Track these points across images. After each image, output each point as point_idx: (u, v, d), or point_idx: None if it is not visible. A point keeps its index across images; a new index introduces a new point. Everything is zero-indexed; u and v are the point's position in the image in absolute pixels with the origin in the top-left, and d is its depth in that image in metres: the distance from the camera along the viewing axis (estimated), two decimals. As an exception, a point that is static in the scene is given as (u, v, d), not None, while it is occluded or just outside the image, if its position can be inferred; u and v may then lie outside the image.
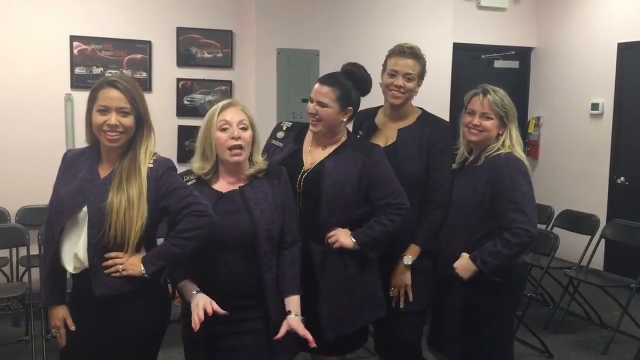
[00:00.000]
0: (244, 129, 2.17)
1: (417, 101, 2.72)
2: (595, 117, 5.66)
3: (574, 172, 5.89)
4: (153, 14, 4.91)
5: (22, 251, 4.06)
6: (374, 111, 2.79)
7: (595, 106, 5.63)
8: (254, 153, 2.23)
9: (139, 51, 4.89)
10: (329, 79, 2.43)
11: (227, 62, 5.12)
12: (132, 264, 2.00)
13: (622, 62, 5.41)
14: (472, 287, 2.48)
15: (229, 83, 5.14)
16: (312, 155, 2.47)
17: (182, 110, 5.03)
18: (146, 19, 4.90)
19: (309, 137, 2.52)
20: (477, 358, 2.56)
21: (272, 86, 4.95)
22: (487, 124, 2.53)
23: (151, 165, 2.06)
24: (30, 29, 4.60)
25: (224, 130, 2.15)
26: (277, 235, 2.19)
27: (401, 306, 2.61)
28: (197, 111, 5.01)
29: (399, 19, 5.22)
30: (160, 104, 4.75)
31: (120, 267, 2.00)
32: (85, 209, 2.00)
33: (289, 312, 2.19)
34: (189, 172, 2.23)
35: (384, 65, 2.68)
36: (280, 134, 2.57)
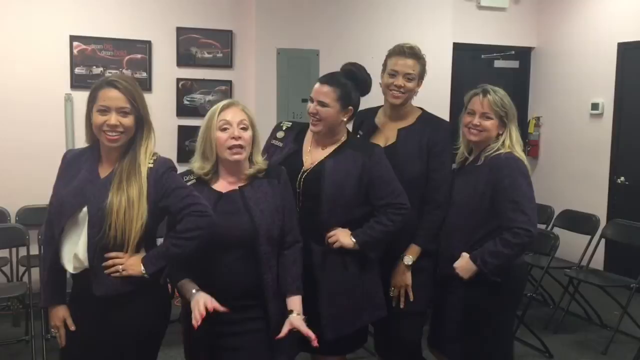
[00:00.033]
0: (244, 128, 2.18)
1: (417, 101, 2.72)
2: (595, 117, 5.66)
3: (574, 172, 5.89)
4: (153, 14, 4.91)
5: (22, 251, 4.06)
6: (374, 111, 2.79)
7: (595, 106, 5.63)
8: (254, 153, 2.23)
9: (139, 51, 4.89)
10: (329, 79, 2.43)
11: (227, 62, 5.12)
12: (132, 264, 2.00)
13: (622, 62, 5.41)
14: (472, 287, 2.48)
15: (229, 83, 5.14)
16: (312, 155, 2.47)
17: (182, 110, 5.04)
18: (146, 19, 4.90)
19: (308, 137, 2.52)
20: (477, 358, 2.56)
21: (272, 86, 4.95)
22: (487, 124, 2.53)
23: (151, 165, 2.05)
24: (30, 29, 4.59)
25: (224, 130, 2.15)
26: (277, 235, 2.19)
27: (401, 306, 2.62)
28: (197, 111, 5.01)
29: (399, 19, 5.22)
30: (160, 104, 4.75)
31: (120, 267, 2.00)
32: (85, 209, 2.00)
33: (291, 312, 2.19)
34: (189, 172, 2.23)
35: (384, 65, 2.68)
36: (280, 134, 2.57)
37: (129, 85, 2.05)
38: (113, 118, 2.00)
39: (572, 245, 4.63)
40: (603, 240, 4.62)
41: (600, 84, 5.57)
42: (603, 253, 5.18)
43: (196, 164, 2.22)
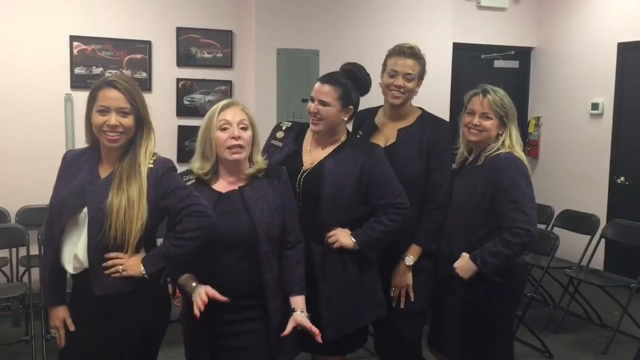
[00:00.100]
0: (244, 128, 2.17)
1: (417, 101, 2.72)
2: (595, 117, 5.66)
3: (574, 172, 5.89)
4: (153, 14, 4.91)
5: (22, 251, 4.06)
6: (373, 111, 2.79)
7: (595, 106, 5.63)
8: (253, 153, 2.23)
9: (138, 51, 4.89)
10: (329, 78, 2.43)
11: (227, 62, 5.12)
12: (132, 265, 2.00)
13: (622, 62, 5.42)
14: (472, 287, 2.48)
15: (229, 83, 5.14)
16: (312, 155, 2.47)
17: (182, 110, 5.03)
18: (146, 19, 4.89)
19: (308, 137, 2.52)
20: (477, 358, 2.56)
21: (272, 86, 4.95)
22: (487, 123, 2.53)
23: (151, 166, 2.05)
24: (30, 29, 4.60)
25: (224, 130, 2.15)
26: (277, 235, 2.19)
27: (401, 306, 2.61)
28: (197, 111, 5.01)
29: (398, 19, 5.22)
30: (160, 104, 4.76)
31: (120, 267, 1.99)
32: (85, 209, 2.00)
33: (294, 310, 2.19)
34: (188, 172, 2.23)
35: (384, 65, 2.68)
36: (279, 134, 2.57)
37: (128, 85, 2.05)
38: (113, 118, 2.00)
39: (572, 245, 4.63)
40: (603, 240, 4.62)
41: (600, 83, 5.57)
42: (603, 253, 5.19)
43: (196, 164, 2.22)
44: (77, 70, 4.74)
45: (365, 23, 5.15)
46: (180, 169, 2.21)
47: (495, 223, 2.46)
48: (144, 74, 4.91)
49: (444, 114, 4.83)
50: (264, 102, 4.89)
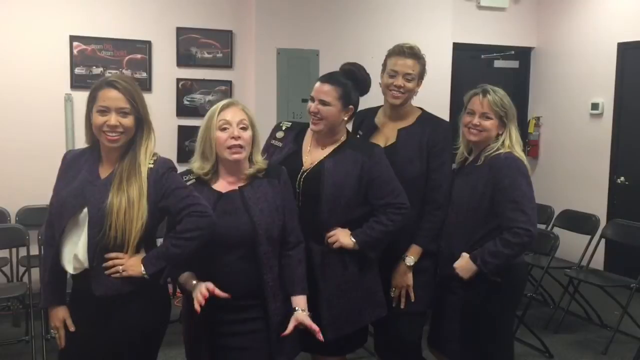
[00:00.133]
0: (243, 128, 2.17)
1: (417, 101, 2.72)
2: (595, 117, 5.66)
3: (574, 172, 5.89)
4: (153, 14, 4.91)
5: (22, 251, 4.06)
6: (373, 111, 2.79)
7: (595, 106, 5.63)
8: (253, 153, 2.23)
9: (138, 51, 4.89)
10: (330, 78, 2.43)
11: (227, 62, 5.12)
12: (132, 265, 2.00)
13: (622, 62, 5.42)
14: (472, 287, 2.48)
15: (229, 83, 5.14)
16: (312, 155, 2.47)
17: (182, 110, 5.04)
18: (146, 19, 4.90)
19: (308, 137, 2.52)
20: (477, 358, 2.56)
21: (272, 86, 4.95)
22: (487, 123, 2.53)
23: (151, 166, 2.05)
24: (30, 29, 4.60)
25: (224, 130, 2.15)
26: (277, 235, 2.19)
27: (402, 306, 2.61)
28: (197, 111, 5.01)
29: (398, 19, 5.22)
30: (160, 104, 4.76)
31: (120, 268, 1.99)
32: (85, 210, 2.00)
33: (296, 309, 2.19)
34: (188, 172, 2.23)
35: (384, 65, 2.68)
36: (279, 134, 2.57)
37: (128, 85, 2.05)
38: (113, 118, 2.00)
39: (572, 245, 4.63)
40: (603, 240, 4.62)
41: (600, 83, 5.57)
42: (603, 253, 5.19)
43: (196, 164, 2.22)
44: (77, 70, 4.74)
45: (365, 23, 5.16)
46: (180, 169, 2.21)
47: (495, 223, 2.46)
48: (144, 74, 4.91)
49: (444, 114, 4.83)
50: (264, 102, 4.89)
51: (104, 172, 2.07)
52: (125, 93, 2.02)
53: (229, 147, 2.14)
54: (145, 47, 4.90)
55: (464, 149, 2.70)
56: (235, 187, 2.20)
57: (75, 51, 4.72)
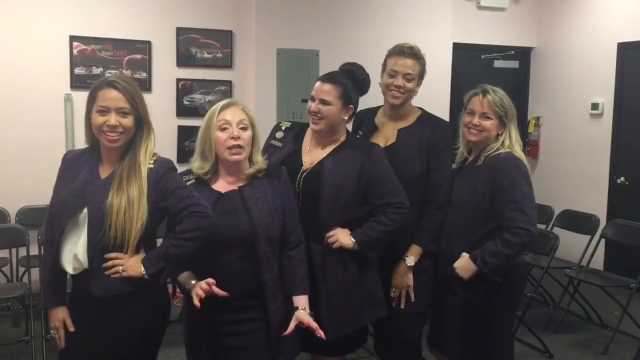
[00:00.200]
0: (243, 128, 2.17)
1: (417, 101, 2.71)
2: (595, 117, 5.66)
3: (574, 172, 5.89)
4: (153, 14, 4.91)
5: (22, 251, 4.06)
6: (373, 111, 2.79)
7: (595, 106, 5.63)
8: (253, 153, 2.23)
9: (138, 51, 4.89)
10: (330, 78, 2.44)
11: (227, 62, 5.12)
12: (132, 265, 2.00)
13: (622, 62, 5.41)
14: (472, 287, 2.48)
15: (228, 83, 5.14)
16: (312, 155, 2.47)
17: (182, 110, 5.04)
18: (146, 19, 4.90)
19: (308, 137, 2.52)
20: (477, 358, 2.56)
21: (272, 86, 4.95)
22: (487, 123, 2.53)
23: (151, 166, 2.05)
24: (30, 29, 4.60)
25: (223, 130, 2.15)
26: (276, 235, 2.19)
27: (402, 307, 2.61)
28: (197, 111, 5.01)
29: (398, 19, 5.22)
30: (160, 104, 4.76)
31: (120, 268, 1.99)
32: (85, 210, 2.00)
33: (297, 308, 2.19)
34: (188, 172, 2.23)
35: (384, 65, 2.68)
36: (279, 134, 2.56)
37: (128, 85, 2.05)
38: (112, 118, 2.00)
39: (572, 245, 4.63)
40: (603, 240, 4.62)
41: (600, 83, 5.57)
42: (603, 253, 5.18)
43: (195, 164, 2.21)
44: (77, 71, 4.74)
45: (365, 23, 5.16)
46: (180, 169, 2.21)
47: (495, 223, 2.46)
48: (144, 74, 4.91)
49: (444, 114, 4.83)
50: (264, 102, 4.89)
51: (104, 172, 2.07)
52: (125, 93, 2.02)
53: (229, 148, 2.14)
54: (145, 47, 4.90)
55: (464, 149, 2.70)
56: (235, 187, 2.20)
57: (75, 51, 4.72)
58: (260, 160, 2.24)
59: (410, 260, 2.59)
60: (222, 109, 2.18)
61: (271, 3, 4.93)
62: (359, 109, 2.56)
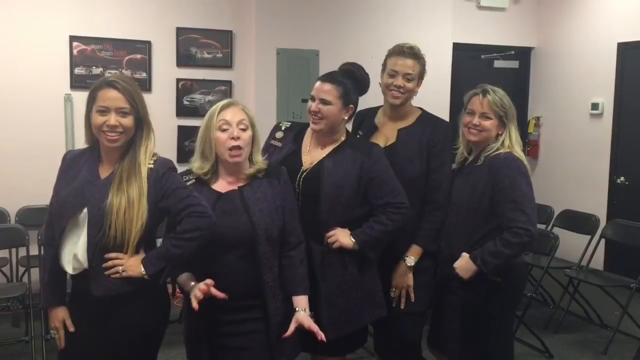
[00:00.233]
0: (243, 129, 2.17)
1: (417, 101, 2.71)
2: (595, 117, 5.66)
3: (574, 172, 5.89)
4: (153, 14, 4.91)
5: (22, 251, 4.06)
6: (373, 111, 2.79)
7: (595, 106, 5.63)
8: (254, 153, 2.23)
9: (138, 51, 4.89)
10: (330, 77, 2.44)
11: (227, 62, 5.12)
12: (132, 265, 2.00)
13: (622, 62, 5.41)
14: (472, 287, 2.48)
15: (228, 83, 5.14)
16: (311, 154, 2.47)
17: (182, 110, 5.04)
18: (146, 19, 4.90)
19: (307, 136, 2.52)
20: (477, 358, 2.56)
21: (272, 86, 4.95)
22: (487, 123, 2.53)
23: (151, 166, 2.05)
24: (30, 29, 4.60)
25: (223, 130, 2.15)
26: (276, 235, 2.19)
27: (402, 307, 2.61)
28: (197, 111, 5.01)
29: (398, 19, 5.22)
30: (160, 104, 4.75)
31: (120, 268, 1.99)
32: (85, 210, 2.00)
33: (297, 309, 2.19)
34: (188, 172, 2.23)
35: (384, 65, 2.68)
36: (279, 134, 2.56)
37: (128, 85, 2.05)
38: (112, 118, 2.00)
39: (572, 245, 4.63)
40: (603, 240, 4.62)
41: (600, 83, 5.57)
42: (603, 253, 5.19)
43: (196, 164, 2.21)
44: (77, 71, 4.74)
45: (365, 23, 5.16)
46: (180, 169, 2.21)
47: (495, 223, 2.46)
48: (144, 74, 4.91)
49: (444, 114, 4.83)
50: (264, 102, 4.89)
51: (104, 172, 2.07)
52: (125, 93, 2.02)
53: (229, 150, 2.14)
54: (145, 47, 4.90)
55: (463, 149, 2.70)
56: (235, 187, 2.20)
57: (75, 51, 4.72)
58: (260, 160, 2.24)
59: (410, 261, 2.59)
60: (222, 109, 2.18)
61: (271, 3, 4.93)
62: (358, 109, 2.56)
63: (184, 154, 4.70)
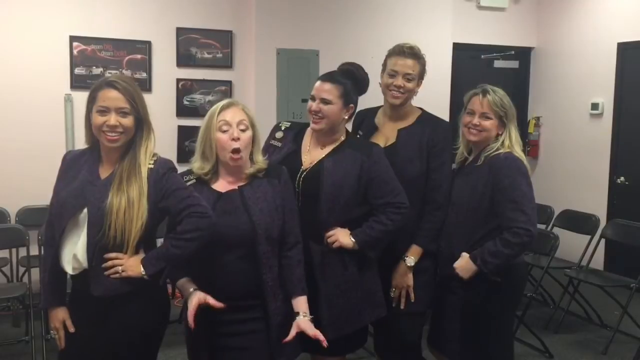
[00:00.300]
0: (243, 129, 2.17)
1: (417, 101, 2.71)
2: (595, 117, 5.66)
3: (574, 172, 5.89)
4: (153, 14, 4.91)
5: (22, 252, 4.06)
6: (373, 111, 2.79)
7: (595, 106, 5.63)
8: (254, 153, 2.23)
9: (138, 51, 4.89)
10: (330, 77, 2.44)
11: (227, 62, 5.12)
12: (131, 265, 2.00)
13: (622, 62, 5.42)
14: (472, 287, 2.48)
15: (228, 83, 5.14)
16: (311, 154, 2.47)
17: (182, 110, 5.04)
18: (146, 19, 4.90)
19: (307, 136, 2.52)
20: (477, 358, 2.56)
21: (272, 86, 4.95)
22: (487, 123, 2.54)
23: (151, 166, 2.05)
24: (30, 29, 4.60)
25: (224, 131, 2.15)
26: (276, 235, 2.19)
27: (402, 307, 2.61)
28: (197, 111, 5.01)
29: (398, 19, 5.22)
30: (160, 104, 4.75)
31: (120, 268, 1.99)
32: (85, 210, 2.00)
33: (298, 313, 2.19)
34: (188, 172, 2.23)
35: (384, 65, 2.68)
36: (278, 134, 2.56)
37: (128, 85, 2.05)
38: (112, 118, 2.00)
39: (572, 245, 4.63)
40: (603, 240, 4.62)
41: (600, 83, 5.57)
42: (603, 253, 5.19)
43: (196, 164, 2.21)
44: (77, 71, 4.74)
45: (365, 23, 5.16)
46: (180, 169, 2.21)
47: (495, 223, 2.46)
48: (144, 74, 4.91)
49: (444, 114, 4.83)
50: (264, 103, 4.89)
51: (104, 173, 2.07)
52: (125, 93, 2.02)
53: (230, 152, 2.14)
54: (145, 47, 4.90)
55: (463, 149, 2.70)
56: (235, 186, 2.20)
57: (75, 51, 4.72)
58: (260, 160, 2.24)
59: (410, 261, 2.59)
60: (222, 109, 2.18)
61: (271, 3, 4.93)
62: (358, 108, 2.56)
63: (184, 154, 4.70)
